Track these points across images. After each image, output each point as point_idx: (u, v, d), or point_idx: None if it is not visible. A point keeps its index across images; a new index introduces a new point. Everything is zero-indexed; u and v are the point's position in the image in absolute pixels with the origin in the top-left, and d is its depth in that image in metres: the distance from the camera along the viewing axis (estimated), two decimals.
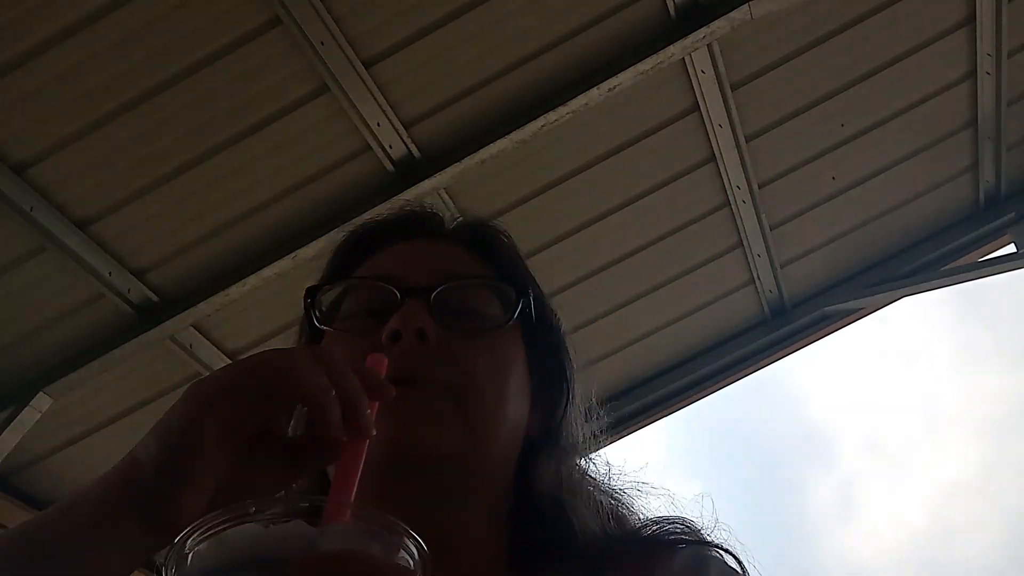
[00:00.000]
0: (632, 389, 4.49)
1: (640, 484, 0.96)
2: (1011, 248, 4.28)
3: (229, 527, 0.53)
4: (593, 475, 0.96)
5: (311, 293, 0.94)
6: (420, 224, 1.01)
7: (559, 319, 1.00)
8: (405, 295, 0.88)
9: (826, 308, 4.39)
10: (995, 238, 4.33)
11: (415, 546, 0.54)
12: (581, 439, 0.96)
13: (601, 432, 1.00)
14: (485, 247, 0.99)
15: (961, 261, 4.33)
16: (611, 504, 0.94)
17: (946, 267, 4.32)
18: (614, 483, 0.97)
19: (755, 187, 3.87)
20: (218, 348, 3.66)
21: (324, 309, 0.94)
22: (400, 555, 0.54)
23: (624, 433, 4.53)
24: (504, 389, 0.88)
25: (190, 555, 0.53)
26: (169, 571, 0.54)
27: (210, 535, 0.53)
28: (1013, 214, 4.27)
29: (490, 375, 0.87)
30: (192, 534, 0.53)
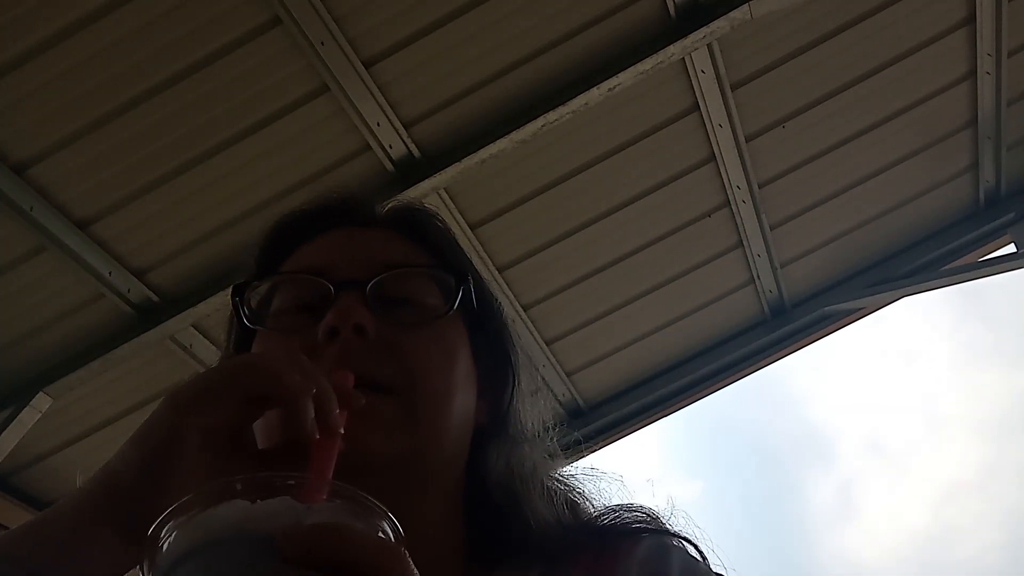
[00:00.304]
0: (632, 389, 4.50)
1: (592, 469, 0.95)
2: (1011, 248, 4.28)
3: (218, 503, 0.53)
4: (544, 462, 0.93)
5: (238, 291, 0.90)
6: (349, 211, 0.96)
7: (500, 304, 0.97)
8: (339, 288, 0.84)
9: (826, 308, 4.39)
10: (995, 238, 4.33)
11: (391, 528, 0.56)
12: (530, 425, 0.93)
13: (554, 422, 0.97)
14: (419, 233, 0.94)
15: (961, 261, 4.33)
16: (564, 491, 0.92)
17: (946, 267, 4.32)
18: (566, 469, 0.95)
19: (755, 187, 3.87)
20: (218, 348, 3.65)
21: (254, 307, 0.90)
22: (379, 535, 0.55)
23: (624, 433, 4.53)
24: (450, 381, 0.84)
25: (177, 531, 0.53)
26: (158, 545, 0.54)
27: (199, 511, 0.53)
28: (1013, 214, 4.27)
29: (434, 368, 0.83)
30: (180, 510, 0.53)
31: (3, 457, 3.47)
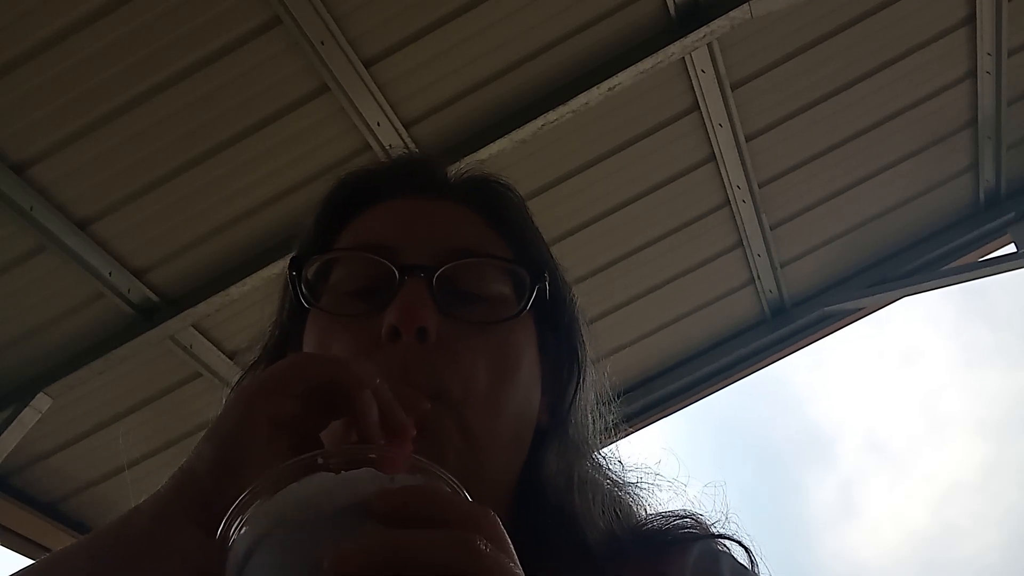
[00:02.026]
0: (632, 389, 4.49)
1: (652, 476, 0.91)
2: (1011, 248, 4.28)
3: (302, 477, 0.53)
4: (603, 468, 0.89)
5: (296, 264, 0.84)
6: (419, 177, 0.90)
7: (574, 296, 0.90)
8: (404, 272, 0.78)
9: (826, 308, 4.39)
10: (995, 238, 4.33)
11: None
12: (591, 426, 0.89)
13: (614, 421, 0.93)
14: (493, 210, 0.88)
15: (961, 261, 4.33)
16: (620, 498, 0.88)
17: (946, 267, 4.32)
18: (625, 476, 0.90)
19: (755, 187, 3.87)
20: (218, 348, 3.65)
21: (310, 278, 0.84)
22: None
23: (623, 433, 4.53)
24: (511, 394, 0.79)
25: (266, 503, 0.53)
26: (245, 519, 0.53)
27: (284, 485, 0.53)
28: (1013, 214, 4.27)
29: (496, 380, 0.78)
30: (266, 484, 0.53)
31: (3, 457, 3.46)
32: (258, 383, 0.66)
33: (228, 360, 3.66)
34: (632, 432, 0.98)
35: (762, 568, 0.84)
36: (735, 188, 3.83)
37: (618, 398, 0.94)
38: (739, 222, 3.98)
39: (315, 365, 0.66)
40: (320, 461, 0.54)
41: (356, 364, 0.65)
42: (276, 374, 0.66)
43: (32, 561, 0.68)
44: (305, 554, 0.50)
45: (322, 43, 2.90)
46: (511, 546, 0.54)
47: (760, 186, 3.90)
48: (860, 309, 4.48)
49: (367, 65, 3.04)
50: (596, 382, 0.92)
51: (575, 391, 0.88)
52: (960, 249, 4.33)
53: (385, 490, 0.52)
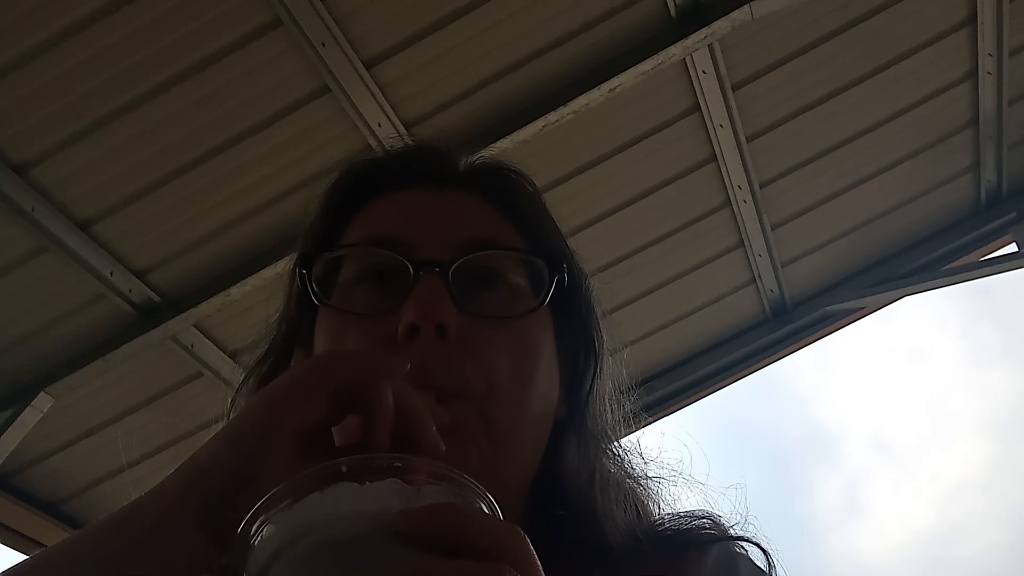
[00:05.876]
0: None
1: (672, 471, 0.89)
2: (1012, 247, 4.28)
3: (325, 486, 0.52)
4: (623, 461, 0.88)
5: (305, 261, 0.82)
6: (428, 166, 0.87)
7: (590, 284, 0.89)
8: (419, 268, 0.76)
9: (827, 308, 4.39)
10: (996, 237, 4.33)
11: (489, 508, 0.55)
12: (609, 416, 0.88)
13: (633, 411, 0.92)
14: (506, 198, 0.86)
15: (962, 260, 4.33)
16: (640, 495, 0.87)
17: (947, 266, 4.32)
18: (644, 469, 0.89)
19: (756, 187, 3.87)
20: (219, 348, 3.66)
21: (319, 274, 0.82)
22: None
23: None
24: (533, 388, 0.78)
25: (287, 512, 0.52)
26: (263, 525, 0.52)
27: (307, 494, 0.52)
28: (1014, 213, 4.27)
29: (518, 374, 0.77)
30: (287, 492, 0.52)
31: (5, 457, 3.47)
32: (284, 390, 0.63)
33: (230, 360, 3.66)
34: (648, 424, 0.96)
35: (779, 571, 0.83)
36: (736, 188, 3.83)
37: (637, 387, 0.93)
38: (740, 222, 3.98)
39: (340, 367, 0.63)
40: (344, 470, 0.52)
41: (384, 364, 0.63)
42: (302, 380, 0.63)
43: None
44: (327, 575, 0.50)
45: (323, 44, 2.90)
46: (540, 569, 0.52)
47: (761, 186, 3.90)
48: (861, 309, 4.48)
49: (368, 66, 3.04)
50: (613, 371, 0.90)
51: (592, 381, 0.86)
52: (961, 249, 4.34)
53: (410, 510, 0.51)
